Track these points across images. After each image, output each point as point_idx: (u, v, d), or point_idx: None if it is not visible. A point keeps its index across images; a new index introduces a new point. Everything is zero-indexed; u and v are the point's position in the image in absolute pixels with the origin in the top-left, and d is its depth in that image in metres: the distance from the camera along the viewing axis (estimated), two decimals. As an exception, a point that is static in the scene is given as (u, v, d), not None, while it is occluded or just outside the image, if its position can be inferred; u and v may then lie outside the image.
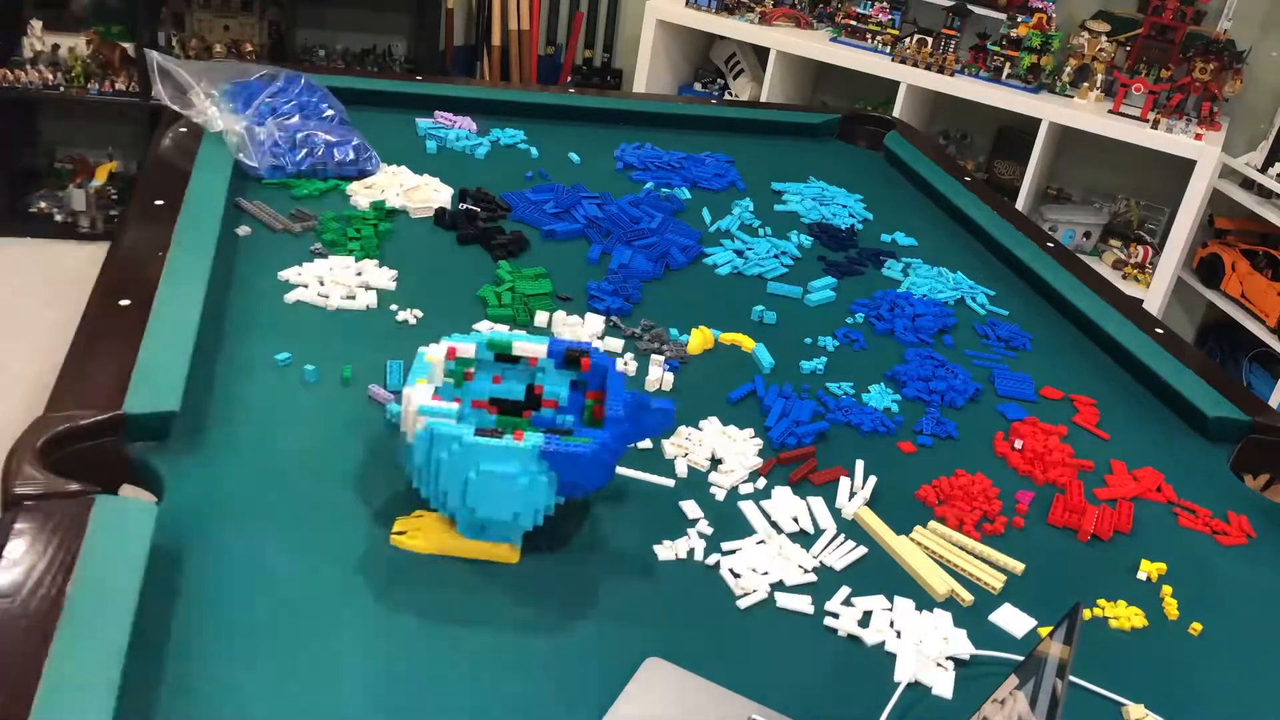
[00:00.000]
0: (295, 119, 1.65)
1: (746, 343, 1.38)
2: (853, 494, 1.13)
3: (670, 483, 1.10)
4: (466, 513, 0.94)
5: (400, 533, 0.97)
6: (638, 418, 0.98)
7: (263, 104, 1.65)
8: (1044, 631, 0.98)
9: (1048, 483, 1.21)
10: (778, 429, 1.20)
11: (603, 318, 1.35)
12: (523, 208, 1.63)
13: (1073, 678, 0.93)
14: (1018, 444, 1.26)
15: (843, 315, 1.51)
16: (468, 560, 0.96)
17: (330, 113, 1.71)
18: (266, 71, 1.72)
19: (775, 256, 1.63)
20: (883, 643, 0.95)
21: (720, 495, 1.10)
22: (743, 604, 0.97)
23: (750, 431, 1.20)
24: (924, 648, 0.94)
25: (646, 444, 1.16)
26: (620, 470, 1.11)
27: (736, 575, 0.99)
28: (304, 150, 1.61)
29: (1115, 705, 0.93)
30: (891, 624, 0.97)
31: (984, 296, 1.62)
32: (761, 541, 1.04)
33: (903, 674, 0.91)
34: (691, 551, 1.02)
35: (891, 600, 1.00)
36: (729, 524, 1.06)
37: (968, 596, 1.01)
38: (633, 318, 1.40)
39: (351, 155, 1.63)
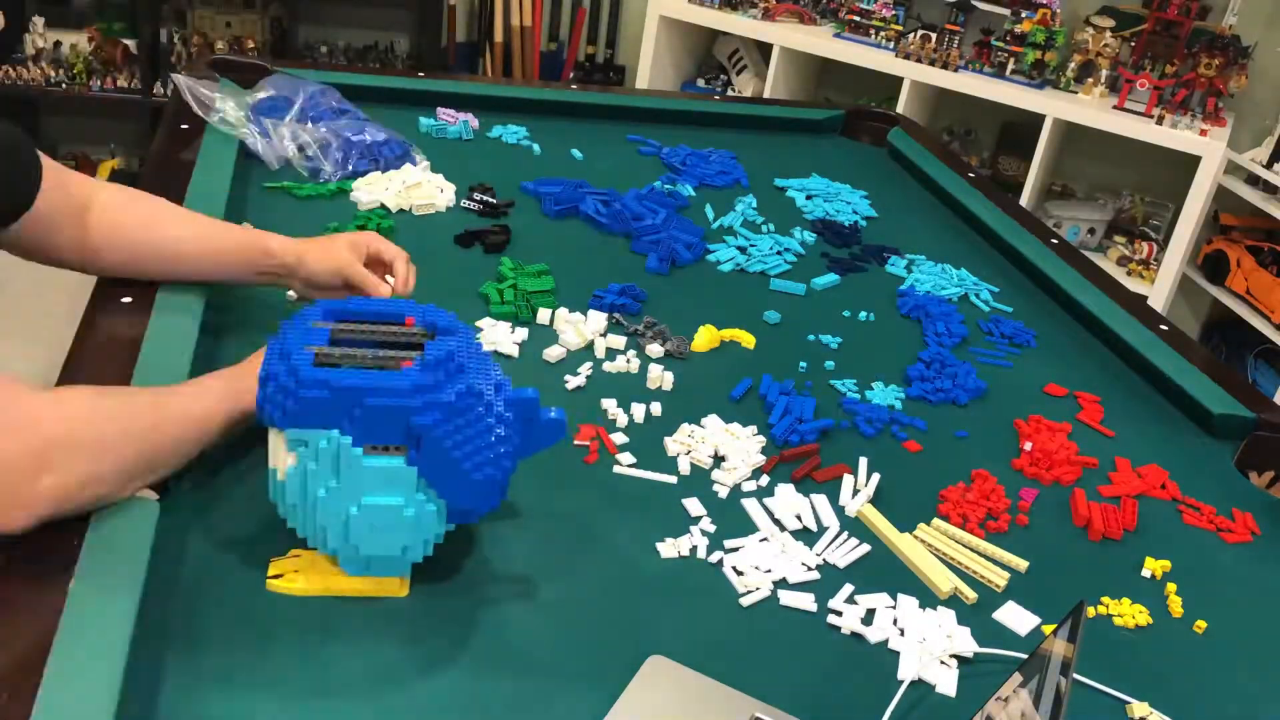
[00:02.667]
0: (341, 122, 1.68)
1: (747, 339, 1.38)
2: (856, 491, 1.13)
3: (673, 479, 1.10)
4: (350, 550, 0.86)
5: (276, 576, 0.89)
6: (526, 428, 0.89)
7: (301, 113, 1.67)
8: (1048, 629, 0.98)
9: (1054, 481, 1.21)
10: (780, 426, 1.20)
11: (605, 315, 1.35)
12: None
13: (1076, 675, 0.93)
14: (1027, 445, 1.25)
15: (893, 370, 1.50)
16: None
17: (356, 112, 1.73)
18: (268, 82, 1.73)
19: (778, 253, 1.63)
20: (886, 640, 0.94)
21: (723, 493, 1.10)
22: (745, 602, 0.96)
23: (753, 429, 1.20)
24: (927, 645, 0.94)
25: (645, 444, 1.15)
26: (622, 470, 1.11)
27: (740, 573, 0.99)
28: (356, 151, 1.64)
29: (1119, 703, 0.92)
30: (895, 621, 0.96)
31: (988, 293, 1.61)
32: (765, 539, 1.04)
33: (906, 672, 0.91)
34: (694, 549, 1.01)
35: (895, 598, 0.99)
36: (732, 521, 1.06)
37: (971, 594, 1.01)
38: (636, 315, 1.40)
39: (399, 151, 1.68)
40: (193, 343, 1.11)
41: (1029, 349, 1.49)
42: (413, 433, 0.83)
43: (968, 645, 0.95)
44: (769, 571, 1.00)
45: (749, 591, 0.97)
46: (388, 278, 1.21)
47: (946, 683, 0.91)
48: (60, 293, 1.09)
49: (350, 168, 1.62)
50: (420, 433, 0.83)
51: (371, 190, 1.58)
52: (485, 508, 0.90)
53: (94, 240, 1.12)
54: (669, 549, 1.01)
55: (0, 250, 1.08)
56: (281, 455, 0.86)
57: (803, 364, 1.35)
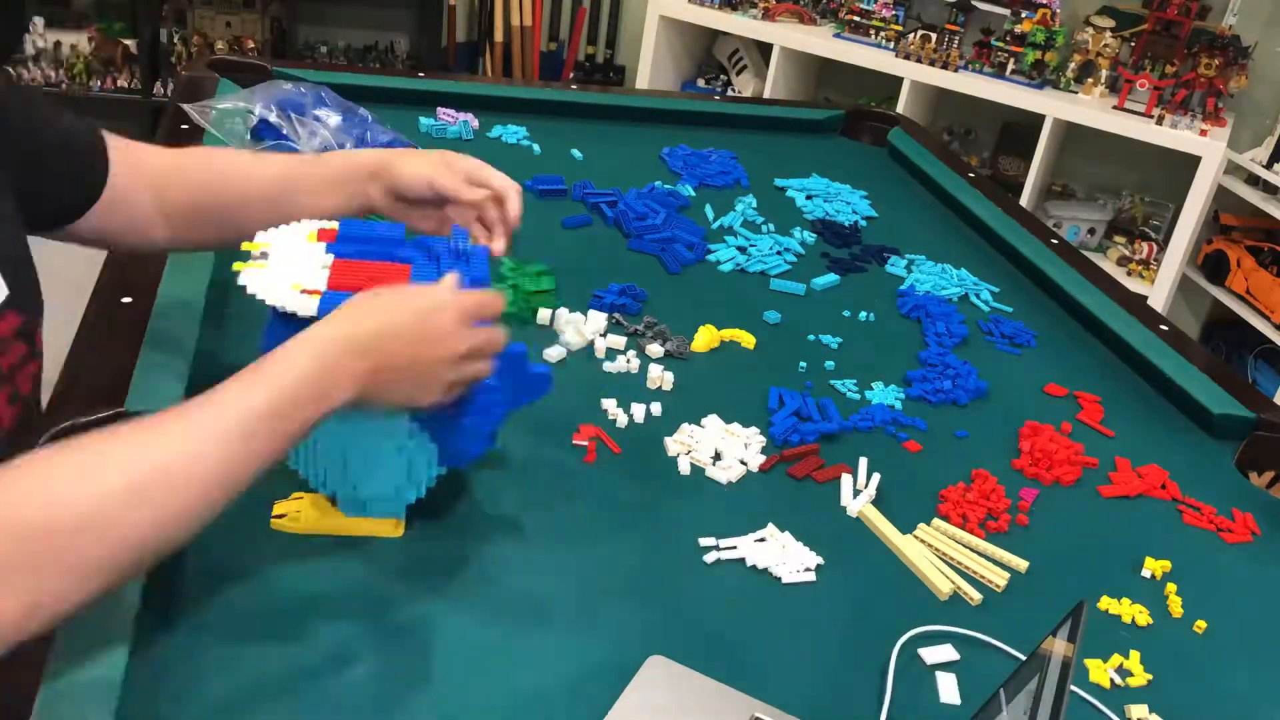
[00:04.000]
0: (347, 122, 1.68)
1: (747, 339, 1.38)
2: (857, 492, 1.13)
3: (682, 469, 1.10)
4: (349, 490, 0.92)
5: (280, 516, 0.95)
6: (515, 381, 0.93)
7: (309, 113, 1.67)
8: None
9: (1055, 481, 1.21)
10: (781, 426, 1.20)
11: (604, 315, 1.35)
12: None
13: (1074, 687, 0.93)
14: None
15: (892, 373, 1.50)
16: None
17: (362, 113, 1.74)
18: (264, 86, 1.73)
19: (778, 253, 1.63)
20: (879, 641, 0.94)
21: (723, 492, 1.10)
22: (745, 601, 0.96)
23: (755, 430, 1.19)
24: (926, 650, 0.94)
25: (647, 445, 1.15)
26: (622, 469, 1.11)
27: (740, 572, 0.99)
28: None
29: (1118, 703, 0.92)
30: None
31: (988, 293, 1.61)
32: (763, 539, 1.04)
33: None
34: (694, 549, 1.01)
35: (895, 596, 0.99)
36: (731, 521, 1.06)
37: (976, 595, 1.01)
38: (636, 315, 1.40)
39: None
40: (194, 342, 1.11)
41: (1029, 349, 1.49)
42: None
43: (961, 650, 0.95)
44: (769, 570, 1.00)
45: (749, 591, 0.97)
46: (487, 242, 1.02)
47: (947, 686, 0.91)
48: (61, 291, 1.08)
49: None
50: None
51: None
52: (474, 452, 0.93)
53: (180, 208, 1.04)
54: (669, 548, 1.01)
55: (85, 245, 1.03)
56: None
57: (802, 364, 1.35)
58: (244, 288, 0.86)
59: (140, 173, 1.03)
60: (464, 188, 1.03)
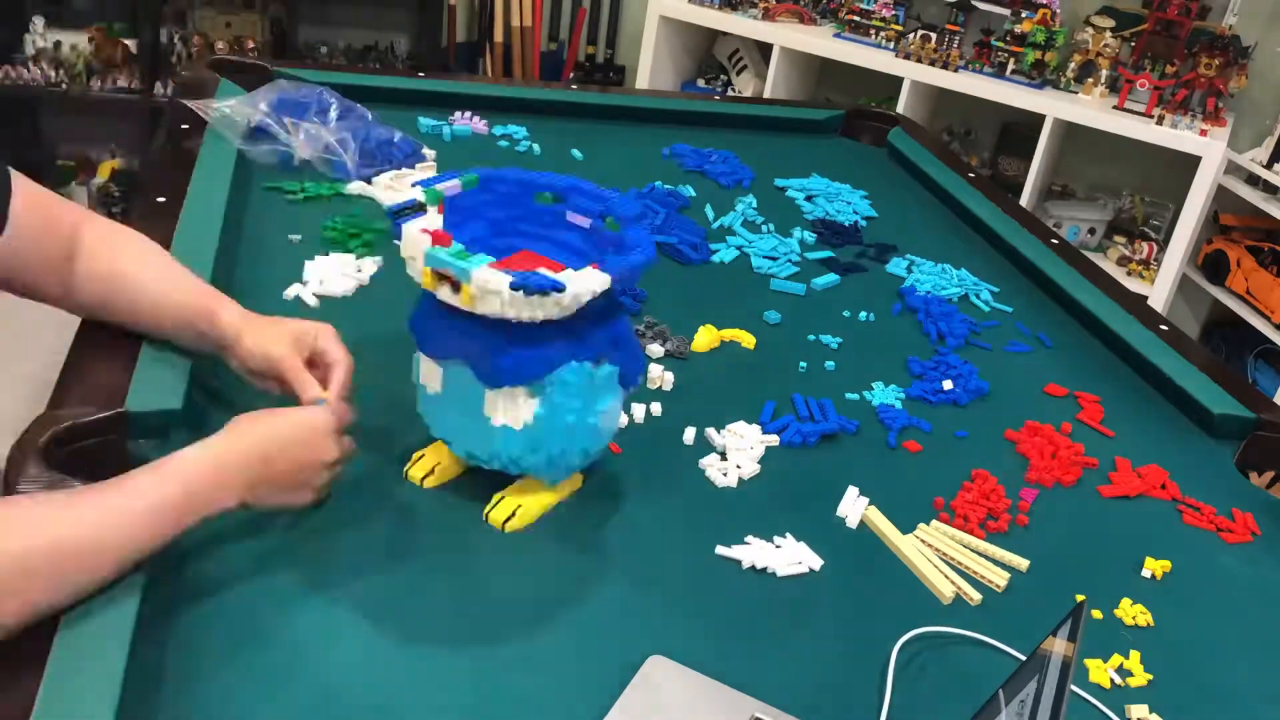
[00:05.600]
0: (353, 121, 1.68)
1: (747, 339, 1.38)
2: (858, 495, 1.13)
3: (692, 458, 1.10)
4: (579, 458, 1.00)
5: (511, 517, 0.99)
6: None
7: (315, 113, 1.67)
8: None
9: (1055, 481, 1.21)
10: (788, 431, 1.19)
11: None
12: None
13: (1074, 688, 0.93)
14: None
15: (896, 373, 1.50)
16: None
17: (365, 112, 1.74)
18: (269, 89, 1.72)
19: (774, 259, 1.62)
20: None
21: (723, 492, 1.10)
22: (745, 601, 0.96)
23: (757, 429, 1.19)
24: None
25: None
26: (622, 469, 1.11)
27: (740, 572, 0.99)
28: (372, 150, 1.65)
29: (1118, 703, 0.92)
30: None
31: (988, 293, 1.61)
32: (765, 539, 1.04)
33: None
34: (695, 549, 1.01)
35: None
36: (732, 520, 1.06)
37: (976, 595, 1.01)
38: (636, 315, 1.40)
39: (410, 149, 1.68)
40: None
41: (1025, 353, 1.49)
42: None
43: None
44: (770, 570, 1.00)
45: (749, 590, 0.97)
46: (319, 395, 1.01)
47: (946, 688, 0.91)
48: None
49: (372, 167, 1.63)
50: (619, 331, 0.98)
51: (400, 185, 1.59)
52: (639, 369, 1.03)
53: (75, 280, 1.06)
54: (669, 548, 1.01)
55: None
56: (521, 407, 0.94)
57: (803, 364, 1.35)
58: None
59: (49, 232, 1.03)
60: (301, 377, 1.02)
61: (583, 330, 0.94)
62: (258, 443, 0.91)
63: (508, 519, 0.99)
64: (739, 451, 1.15)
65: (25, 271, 1.03)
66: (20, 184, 1.01)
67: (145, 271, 1.09)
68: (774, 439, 1.18)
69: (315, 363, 1.04)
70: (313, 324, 1.07)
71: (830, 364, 1.36)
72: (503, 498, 1.01)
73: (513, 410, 0.94)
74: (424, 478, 1.03)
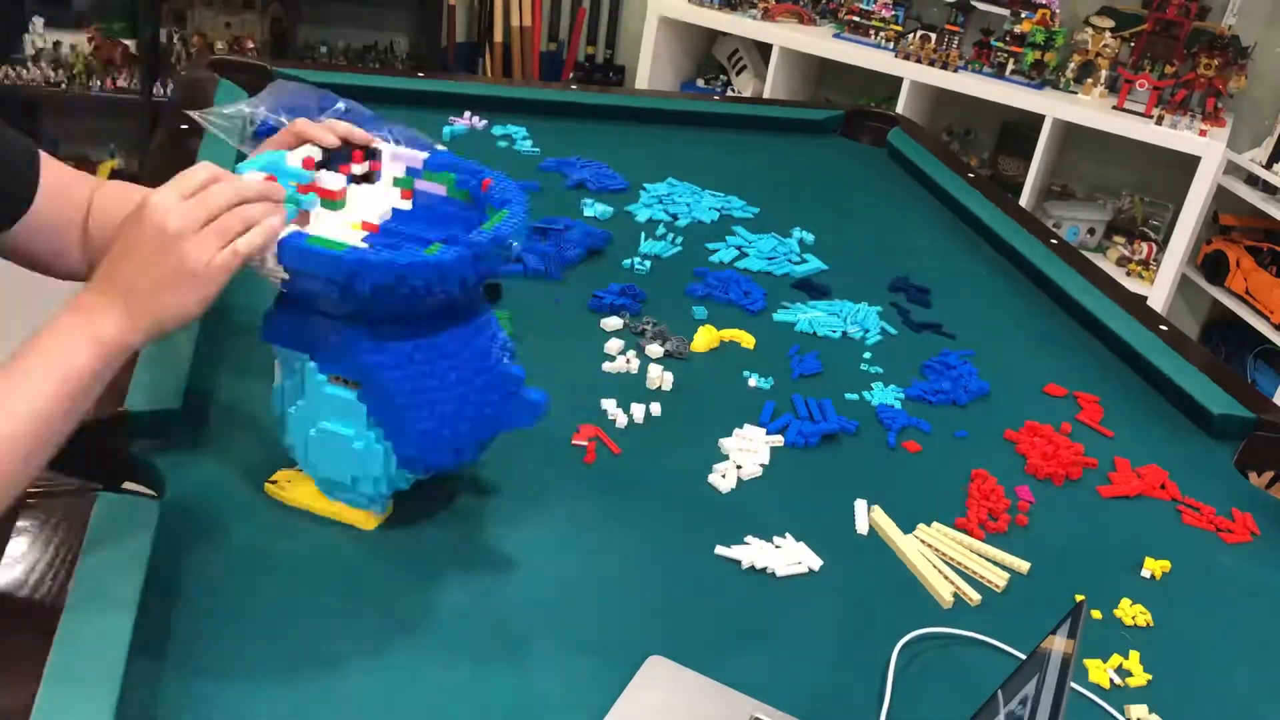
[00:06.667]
0: (361, 120, 1.67)
1: (747, 339, 1.38)
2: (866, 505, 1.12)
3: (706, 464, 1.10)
4: (310, 469, 0.94)
5: (273, 482, 0.97)
6: (503, 401, 0.92)
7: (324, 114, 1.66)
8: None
9: (1055, 482, 1.21)
10: (789, 432, 1.19)
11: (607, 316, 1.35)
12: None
13: (1074, 685, 0.93)
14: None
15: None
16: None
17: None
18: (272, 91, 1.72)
19: (774, 259, 1.62)
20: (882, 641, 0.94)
21: (723, 492, 1.10)
22: (745, 602, 0.96)
23: (760, 430, 1.19)
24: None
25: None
26: (622, 470, 1.11)
27: (740, 572, 0.99)
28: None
29: (1118, 704, 0.92)
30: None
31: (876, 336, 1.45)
32: (765, 539, 1.04)
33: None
34: (695, 549, 1.01)
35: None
36: (732, 521, 1.06)
37: (975, 595, 1.01)
38: (636, 315, 1.40)
39: (423, 147, 1.66)
40: (194, 340, 1.11)
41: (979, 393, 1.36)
42: (362, 370, 0.88)
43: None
44: (770, 570, 1.00)
45: (749, 590, 0.97)
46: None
47: (945, 686, 0.91)
48: (62, 291, 1.08)
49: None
50: (366, 371, 0.87)
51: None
52: (435, 462, 0.92)
53: (89, 239, 1.06)
54: (670, 548, 1.01)
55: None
56: (277, 370, 0.93)
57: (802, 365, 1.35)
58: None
59: (69, 200, 1.05)
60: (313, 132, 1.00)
61: (343, 338, 0.88)
62: (114, 254, 0.82)
63: (273, 482, 0.98)
64: (744, 453, 1.15)
65: (50, 239, 1.03)
66: (44, 159, 1.02)
67: None
68: (778, 439, 1.18)
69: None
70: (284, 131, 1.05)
71: (828, 364, 1.36)
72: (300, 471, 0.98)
73: (277, 368, 0.94)
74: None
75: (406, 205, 1.01)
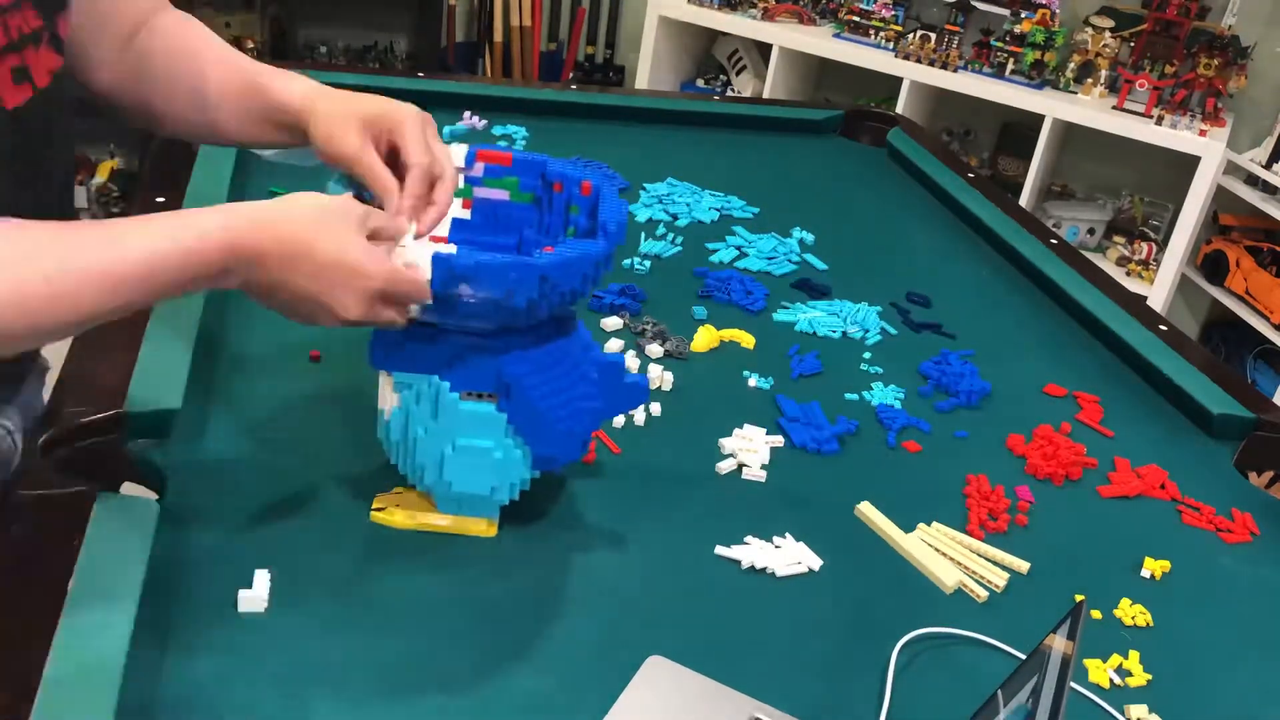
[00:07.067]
0: None
1: (747, 339, 1.38)
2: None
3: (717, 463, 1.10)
4: (444, 487, 0.94)
5: (380, 509, 0.98)
6: (609, 389, 0.96)
7: None
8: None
9: (1055, 482, 1.21)
10: (801, 435, 1.19)
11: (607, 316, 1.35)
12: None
13: (1074, 685, 0.93)
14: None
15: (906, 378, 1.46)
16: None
17: None
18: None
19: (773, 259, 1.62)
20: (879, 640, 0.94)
21: (723, 491, 1.10)
22: (745, 601, 0.96)
23: (762, 431, 1.19)
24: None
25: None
26: (622, 470, 1.11)
27: (740, 572, 0.99)
28: None
29: (1118, 704, 0.92)
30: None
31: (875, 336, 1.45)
32: (765, 539, 1.04)
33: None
34: (695, 548, 1.01)
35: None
36: (732, 520, 1.06)
37: (982, 592, 1.01)
38: (636, 315, 1.40)
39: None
40: (194, 340, 1.11)
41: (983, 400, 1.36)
42: (503, 382, 0.90)
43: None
44: (770, 569, 1.00)
45: (750, 589, 0.97)
46: (405, 229, 0.90)
47: (945, 685, 0.91)
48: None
49: None
50: (510, 382, 0.90)
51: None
52: (567, 457, 0.97)
53: (134, 58, 0.99)
54: (670, 548, 1.01)
55: None
56: (388, 396, 0.93)
57: (801, 367, 1.35)
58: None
59: (116, 13, 0.99)
60: (381, 177, 0.92)
61: (473, 356, 0.90)
62: (304, 244, 0.80)
63: (380, 509, 0.98)
64: (745, 453, 1.15)
65: (81, 56, 0.97)
66: None
67: (211, 49, 1.03)
68: (779, 440, 1.18)
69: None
70: (390, 109, 0.94)
71: (828, 365, 1.36)
72: (401, 492, 0.99)
73: (385, 395, 0.94)
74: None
75: (465, 215, 1.02)
